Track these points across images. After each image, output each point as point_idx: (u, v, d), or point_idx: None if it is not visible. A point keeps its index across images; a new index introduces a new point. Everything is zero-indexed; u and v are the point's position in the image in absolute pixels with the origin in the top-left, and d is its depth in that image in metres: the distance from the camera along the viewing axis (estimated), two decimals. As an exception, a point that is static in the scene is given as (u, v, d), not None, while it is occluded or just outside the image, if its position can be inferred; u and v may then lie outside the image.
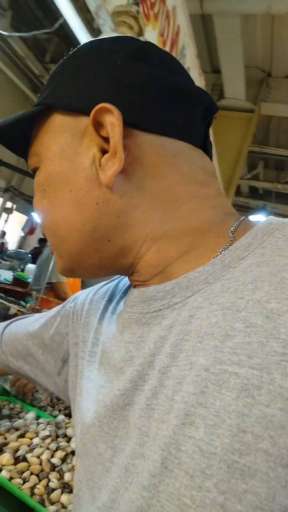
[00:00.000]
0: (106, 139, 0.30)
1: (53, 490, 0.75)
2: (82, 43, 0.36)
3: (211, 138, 0.38)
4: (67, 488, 0.77)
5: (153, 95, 0.31)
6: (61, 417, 1.08)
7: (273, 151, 4.11)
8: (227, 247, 0.30)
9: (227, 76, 3.14)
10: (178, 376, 0.26)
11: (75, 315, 0.46)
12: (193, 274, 0.30)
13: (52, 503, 0.73)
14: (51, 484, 0.76)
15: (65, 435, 0.94)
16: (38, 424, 0.96)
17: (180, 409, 0.24)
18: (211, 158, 0.37)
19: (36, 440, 0.88)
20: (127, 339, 0.33)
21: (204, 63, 3.28)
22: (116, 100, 0.30)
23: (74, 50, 0.34)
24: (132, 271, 0.34)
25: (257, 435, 0.20)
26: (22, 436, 0.89)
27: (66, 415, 1.13)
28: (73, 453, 0.89)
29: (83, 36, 1.28)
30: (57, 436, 0.92)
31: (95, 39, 0.35)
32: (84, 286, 2.79)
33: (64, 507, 0.73)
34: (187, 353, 0.26)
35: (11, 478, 0.74)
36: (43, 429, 0.93)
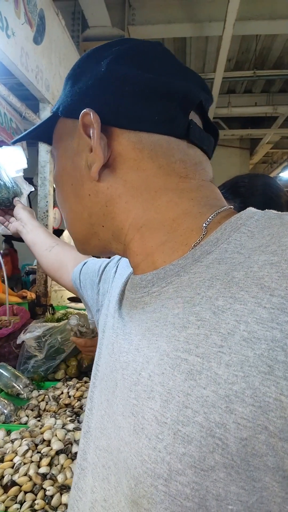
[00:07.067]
0: None
1: (51, 497, 0.79)
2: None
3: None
4: (64, 489, 0.81)
5: (127, 95, 0.35)
6: (32, 422, 1.08)
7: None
8: (199, 242, 0.33)
9: (85, 3, 2.82)
10: (147, 355, 0.31)
11: (111, 274, 0.57)
12: (169, 267, 0.34)
13: (55, 509, 0.77)
14: (48, 493, 0.79)
15: (43, 440, 0.95)
16: (12, 441, 0.95)
17: (147, 385, 0.29)
18: (203, 144, 0.38)
19: (17, 459, 0.88)
20: (123, 315, 0.41)
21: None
22: (97, 104, 0.36)
23: (81, 56, 0.40)
24: (127, 257, 0.41)
25: (195, 411, 0.25)
26: (1, 460, 0.89)
27: (35, 417, 1.13)
28: (57, 453, 0.91)
29: None
30: (36, 445, 0.93)
31: (99, 46, 0.40)
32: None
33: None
34: (156, 337, 0.31)
35: (6, 508, 0.75)
36: (20, 445, 0.92)
